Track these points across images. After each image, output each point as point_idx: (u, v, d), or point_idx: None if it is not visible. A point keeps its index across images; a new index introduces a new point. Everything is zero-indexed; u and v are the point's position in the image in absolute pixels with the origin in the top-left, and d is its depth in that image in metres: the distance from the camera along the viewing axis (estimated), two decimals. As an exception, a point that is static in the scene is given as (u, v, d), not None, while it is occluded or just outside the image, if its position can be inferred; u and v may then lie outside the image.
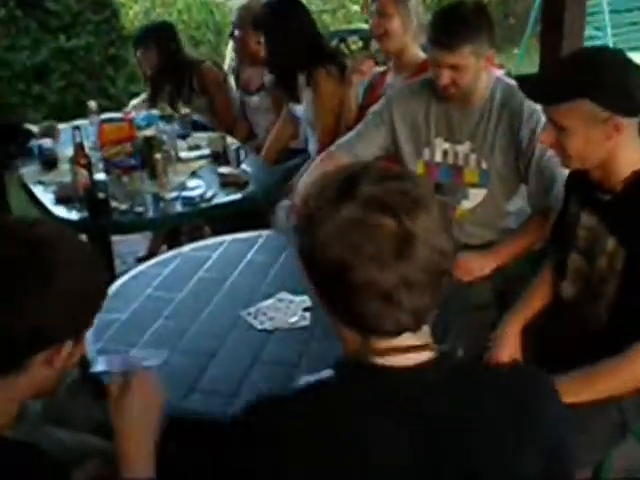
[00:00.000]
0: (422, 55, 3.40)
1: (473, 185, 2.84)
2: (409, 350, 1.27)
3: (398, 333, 1.26)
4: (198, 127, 4.28)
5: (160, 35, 4.43)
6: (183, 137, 4.01)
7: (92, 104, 3.86)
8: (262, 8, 3.89)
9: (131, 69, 7.16)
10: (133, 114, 3.67)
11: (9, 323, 1.26)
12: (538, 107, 2.73)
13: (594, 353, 2.01)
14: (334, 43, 5.44)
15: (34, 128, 4.03)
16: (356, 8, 9.13)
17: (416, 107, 2.89)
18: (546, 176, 2.68)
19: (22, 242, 1.29)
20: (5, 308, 1.25)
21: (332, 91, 3.73)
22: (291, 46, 3.72)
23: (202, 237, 4.57)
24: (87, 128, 3.75)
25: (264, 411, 1.30)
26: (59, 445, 1.90)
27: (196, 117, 4.41)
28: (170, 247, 4.56)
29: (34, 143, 3.89)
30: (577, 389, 1.95)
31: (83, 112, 6.76)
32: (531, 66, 6.62)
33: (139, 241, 4.73)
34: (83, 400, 2.25)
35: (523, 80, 2.20)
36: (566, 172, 2.70)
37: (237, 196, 3.31)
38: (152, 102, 4.51)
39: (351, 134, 3.00)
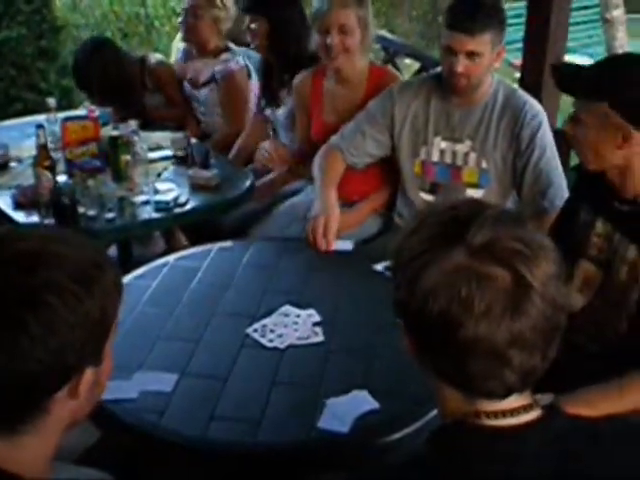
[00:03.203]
0: (365, 63, 3.17)
1: (471, 185, 2.82)
2: (517, 412, 1.16)
3: (504, 396, 1.15)
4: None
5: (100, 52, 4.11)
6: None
7: (51, 101, 3.59)
8: None
9: (63, 62, 6.83)
10: (97, 112, 3.44)
11: (9, 369, 1.05)
12: (540, 110, 2.71)
13: (611, 365, 1.94)
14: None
15: None
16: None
17: (416, 105, 2.86)
18: (542, 178, 2.71)
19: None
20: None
21: None
22: (296, 35, 3.48)
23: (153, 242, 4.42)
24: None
25: None
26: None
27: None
28: (120, 250, 4.35)
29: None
30: (601, 402, 1.88)
31: (10, 106, 6.52)
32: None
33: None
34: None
35: (560, 68, 2.14)
36: (562, 177, 2.68)
37: (214, 201, 3.13)
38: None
39: (352, 127, 2.96)
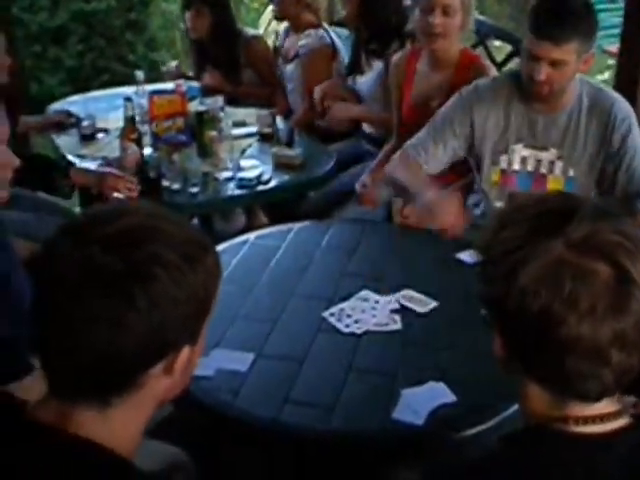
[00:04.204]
0: (459, 47, 3.11)
1: None
2: (607, 418, 1.11)
3: (598, 398, 1.10)
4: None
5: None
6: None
7: (139, 74, 3.64)
8: None
9: (150, 35, 6.92)
10: (184, 87, 3.46)
11: (111, 342, 1.05)
12: (629, 109, 2.59)
13: None
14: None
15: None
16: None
17: (496, 111, 2.68)
18: (636, 179, 2.58)
19: (104, 244, 1.06)
20: (104, 326, 1.04)
21: None
22: (387, 5, 3.46)
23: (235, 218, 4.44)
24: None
25: None
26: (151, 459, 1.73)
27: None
28: (202, 225, 4.39)
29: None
30: None
31: (98, 77, 6.63)
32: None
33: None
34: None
35: None
36: None
37: (298, 180, 3.11)
38: (198, 73, 4.30)
39: (426, 134, 2.77)
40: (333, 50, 4.08)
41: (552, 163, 2.66)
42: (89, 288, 1.04)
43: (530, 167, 2.69)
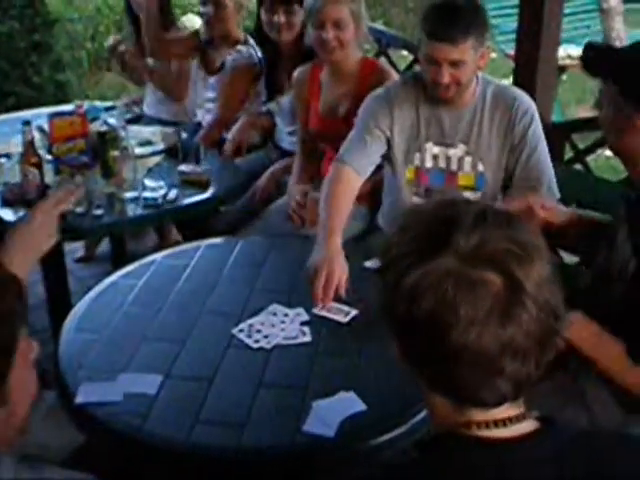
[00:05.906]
0: (358, 55, 3.17)
1: (467, 189, 2.73)
2: (510, 421, 1.11)
3: (496, 404, 1.10)
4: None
5: None
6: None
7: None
8: None
9: (56, 56, 6.78)
10: (85, 107, 3.39)
11: None
12: (531, 104, 2.66)
13: None
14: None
15: None
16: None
17: (407, 110, 2.73)
18: (534, 171, 2.64)
19: None
20: None
21: None
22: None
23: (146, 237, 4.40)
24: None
25: None
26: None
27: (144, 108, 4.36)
28: (113, 246, 4.32)
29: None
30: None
31: (4, 101, 6.46)
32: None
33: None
34: (61, 428, 2.01)
35: (595, 49, 2.04)
36: (552, 170, 2.63)
37: (204, 197, 3.09)
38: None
39: (354, 143, 2.73)
40: (260, 69, 4.05)
41: (461, 159, 2.71)
42: None
43: (442, 164, 2.74)
